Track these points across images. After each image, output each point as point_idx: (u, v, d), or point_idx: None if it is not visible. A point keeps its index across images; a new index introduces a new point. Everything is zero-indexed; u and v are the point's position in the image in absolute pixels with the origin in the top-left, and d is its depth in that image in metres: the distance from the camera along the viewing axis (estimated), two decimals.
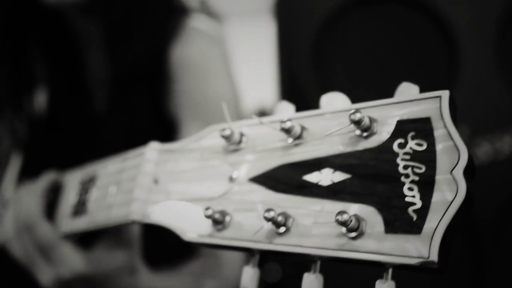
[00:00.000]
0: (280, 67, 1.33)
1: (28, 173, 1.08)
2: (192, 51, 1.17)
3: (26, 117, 1.25)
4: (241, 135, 0.58)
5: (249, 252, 0.55)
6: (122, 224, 0.68)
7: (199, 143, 0.62)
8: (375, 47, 1.27)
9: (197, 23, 1.22)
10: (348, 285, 1.10)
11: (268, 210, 0.50)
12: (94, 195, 0.76)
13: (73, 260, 0.78)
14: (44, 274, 0.81)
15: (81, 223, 0.78)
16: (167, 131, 1.16)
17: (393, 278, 0.46)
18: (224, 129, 0.57)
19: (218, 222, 0.55)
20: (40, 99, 1.26)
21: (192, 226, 0.58)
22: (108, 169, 0.75)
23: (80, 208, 0.79)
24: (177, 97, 1.15)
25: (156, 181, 0.64)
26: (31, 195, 0.85)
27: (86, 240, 0.84)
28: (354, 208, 0.47)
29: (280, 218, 0.50)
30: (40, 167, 1.00)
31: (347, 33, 1.27)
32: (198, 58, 1.17)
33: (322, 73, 1.26)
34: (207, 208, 0.54)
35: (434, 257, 0.41)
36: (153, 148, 0.67)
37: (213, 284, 1.00)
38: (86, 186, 0.78)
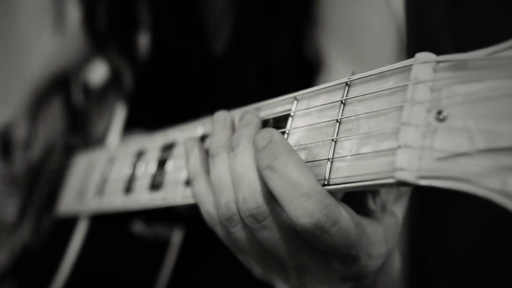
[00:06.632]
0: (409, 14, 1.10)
1: (133, 125, 0.93)
2: None
3: (131, 64, 1.04)
4: None
5: None
6: (370, 189, 0.43)
7: None
8: None
9: None
10: None
11: None
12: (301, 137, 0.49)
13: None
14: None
15: None
16: (307, 75, 0.91)
17: None
18: None
19: None
20: (143, 43, 1.05)
21: None
22: (316, 100, 0.50)
23: None
24: (324, 28, 0.89)
25: (440, 116, 0.38)
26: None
27: None
28: None
29: None
30: (147, 119, 0.86)
31: None
32: None
33: (458, 23, 0.99)
34: None
35: None
36: (425, 61, 0.41)
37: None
38: (278, 124, 0.51)
